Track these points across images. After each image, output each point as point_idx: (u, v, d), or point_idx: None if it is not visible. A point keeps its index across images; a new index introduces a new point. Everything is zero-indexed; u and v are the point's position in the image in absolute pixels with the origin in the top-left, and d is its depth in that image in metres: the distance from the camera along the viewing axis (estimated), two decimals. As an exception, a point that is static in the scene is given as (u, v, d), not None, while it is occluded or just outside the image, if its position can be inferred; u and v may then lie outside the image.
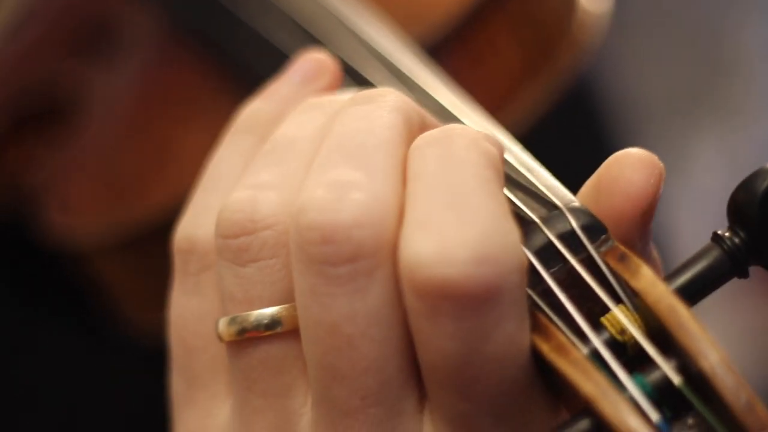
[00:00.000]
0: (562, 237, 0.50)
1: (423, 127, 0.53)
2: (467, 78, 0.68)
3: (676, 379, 0.47)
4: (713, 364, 0.46)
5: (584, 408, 0.47)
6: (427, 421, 0.50)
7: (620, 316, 0.49)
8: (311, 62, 0.60)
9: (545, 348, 0.48)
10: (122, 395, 0.91)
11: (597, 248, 0.50)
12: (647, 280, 0.48)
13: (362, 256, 0.48)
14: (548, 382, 0.50)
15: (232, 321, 0.52)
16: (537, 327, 0.48)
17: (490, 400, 0.48)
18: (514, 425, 0.50)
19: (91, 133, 0.88)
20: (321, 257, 0.48)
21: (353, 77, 0.64)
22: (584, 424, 0.47)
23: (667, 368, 0.47)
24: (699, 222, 1.90)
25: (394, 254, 0.48)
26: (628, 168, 0.51)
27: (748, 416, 0.45)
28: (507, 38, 0.78)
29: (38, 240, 0.87)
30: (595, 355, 0.48)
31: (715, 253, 0.50)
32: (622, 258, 0.49)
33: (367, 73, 0.64)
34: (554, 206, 0.51)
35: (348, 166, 0.49)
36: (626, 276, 0.49)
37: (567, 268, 0.50)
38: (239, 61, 0.81)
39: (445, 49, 0.77)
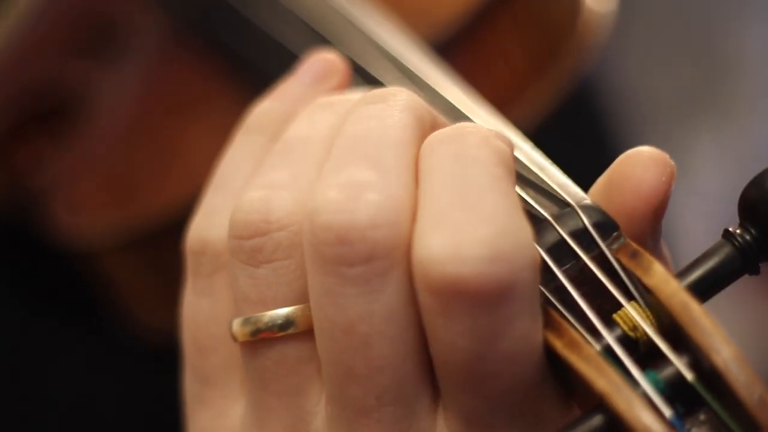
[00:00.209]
0: (574, 234, 0.50)
1: (434, 126, 0.53)
2: (473, 77, 0.68)
3: (688, 375, 0.47)
4: (726, 360, 0.46)
5: (597, 404, 0.47)
6: (440, 420, 0.50)
7: (632, 312, 0.49)
8: (321, 62, 0.60)
9: (558, 344, 0.48)
10: (129, 395, 0.91)
11: (609, 245, 0.50)
12: (659, 276, 0.48)
13: (378, 257, 0.48)
14: (561, 379, 0.50)
15: (246, 321, 0.52)
16: (550, 324, 0.49)
17: (503, 397, 0.49)
18: (527, 422, 0.50)
19: (98, 133, 0.88)
20: (336, 258, 0.48)
21: (363, 76, 0.64)
22: (597, 420, 0.47)
23: (679, 364, 0.47)
24: (700, 221, 1.90)
25: (409, 253, 0.48)
26: (639, 166, 0.51)
27: (760, 412, 0.45)
28: (513, 37, 0.79)
29: (45, 240, 0.87)
30: (608, 352, 0.48)
31: (726, 250, 0.50)
32: (634, 255, 0.50)
33: (377, 73, 0.64)
34: (566, 204, 0.52)
35: (361, 166, 0.49)
36: (638, 273, 0.49)
37: (579, 265, 0.50)
38: (247, 60, 0.81)
39: (452, 49, 0.77)
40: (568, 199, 0.52)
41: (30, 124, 0.89)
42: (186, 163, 0.83)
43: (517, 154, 0.53)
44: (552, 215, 0.51)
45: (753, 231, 0.50)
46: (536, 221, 0.51)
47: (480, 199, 0.47)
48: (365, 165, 0.49)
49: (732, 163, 2.06)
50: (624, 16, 0.86)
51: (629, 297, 0.49)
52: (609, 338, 0.48)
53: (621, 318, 0.49)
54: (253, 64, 0.80)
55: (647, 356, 0.48)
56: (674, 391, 0.47)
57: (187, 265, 0.56)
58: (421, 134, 0.52)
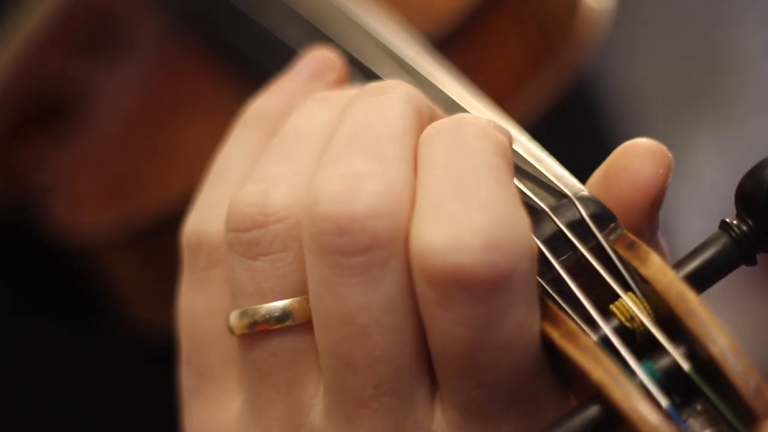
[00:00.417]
0: (571, 225, 0.51)
1: (432, 119, 0.53)
2: (472, 72, 0.69)
3: (685, 365, 0.47)
4: (722, 350, 0.46)
5: (594, 394, 0.47)
6: (438, 410, 0.51)
7: (629, 303, 0.49)
8: (318, 58, 0.61)
9: (555, 335, 0.48)
10: (128, 392, 0.91)
11: (606, 236, 0.50)
12: (656, 267, 0.49)
13: (377, 247, 0.48)
14: (558, 370, 0.50)
15: (243, 314, 0.52)
16: (547, 314, 0.49)
17: (500, 387, 0.49)
18: (524, 411, 0.50)
19: (98, 131, 0.88)
20: (335, 248, 0.48)
21: (361, 71, 0.64)
22: (594, 410, 0.47)
23: (676, 354, 0.47)
24: (698, 219, 1.90)
25: (407, 244, 0.48)
26: (636, 157, 0.51)
27: (756, 401, 0.45)
28: (512, 33, 0.79)
29: (45, 238, 0.87)
30: (605, 342, 0.48)
31: (723, 241, 0.50)
32: (631, 246, 0.50)
33: (375, 67, 0.64)
34: (563, 195, 0.52)
35: (361, 157, 0.49)
36: (635, 263, 0.49)
37: (576, 256, 0.50)
38: (246, 57, 0.82)
39: (451, 44, 0.77)
40: (566, 191, 0.52)
41: (31, 124, 0.89)
42: (186, 160, 0.84)
43: (514, 146, 0.54)
44: (549, 206, 0.51)
45: (749, 222, 0.50)
46: (533, 212, 0.51)
47: (478, 189, 0.48)
48: (365, 156, 0.50)
49: (731, 160, 2.06)
50: (624, 13, 0.87)
51: (626, 288, 0.50)
52: (606, 329, 0.48)
53: (618, 309, 0.49)
54: (253, 61, 0.80)
55: (644, 347, 0.48)
56: (671, 381, 0.47)
57: (183, 258, 0.56)
58: (420, 126, 0.52)
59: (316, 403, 0.52)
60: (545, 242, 0.50)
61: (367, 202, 0.48)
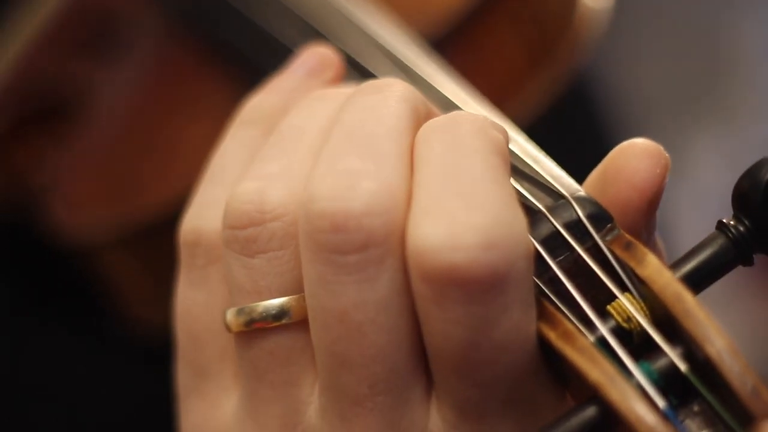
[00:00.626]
0: (568, 226, 0.50)
1: (429, 117, 0.53)
2: (469, 72, 0.69)
3: (682, 366, 0.47)
4: (719, 351, 0.46)
5: (591, 395, 0.47)
6: (433, 409, 0.51)
7: (626, 303, 0.49)
8: (315, 56, 0.61)
9: (552, 335, 0.48)
10: (127, 392, 0.91)
11: (603, 237, 0.50)
12: (653, 267, 0.48)
13: (373, 245, 0.48)
14: (555, 370, 0.50)
15: (240, 312, 0.52)
16: (544, 315, 0.49)
17: (496, 387, 0.49)
18: (520, 412, 0.50)
19: (98, 131, 0.88)
20: (331, 246, 0.48)
21: (358, 70, 0.64)
22: (591, 411, 0.47)
23: (673, 355, 0.47)
24: (697, 220, 1.90)
25: (403, 242, 0.48)
26: (633, 158, 0.51)
27: (754, 402, 0.45)
28: (509, 33, 0.79)
29: (44, 238, 0.87)
30: (602, 343, 0.48)
31: (720, 241, 0.50)
32: (628, 246, 0.50)
33: (372, 67, 0.64)
34: (560, 195, 0.52)
35: (357, 155, 0.49)
36: (632, 264, 0.49)
37: (573, 256, 0.50)
38: (244, 57, 0.82)
39: (448, 43, 0.77)
40: (562, 191, 0.52)
41: (30, 123, 0.89)
42: (185, 160, 0.84)
43: (511, 146, 0.53)
44: (546, 207, 0.51)
45: (746, 222, 0.50)
46: (530, 213, 0.51)
47: (474, 187, 0.47)
48: (361, 154, 0.50)
49: (730, 161, 2.06)
50: (625, 14, 0.86)
51: (623, 288, 0.50)
52: (603, 329, 0.48)
53: (615, 309, 0.49)
54: (252, 61, 0.80)
55: (641, 347, 0.48)
56: (668, 382, 0.47)
57: (181, 256, 0.56)
58: (417, 124, 0.52)
59: (312, 402, 0.52)
60: (542, 243, 0.50)
61: (362, 200, 0.48)
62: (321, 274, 0.49)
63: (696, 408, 0.47)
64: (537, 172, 0.53)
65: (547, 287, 0.49)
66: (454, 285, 0.46)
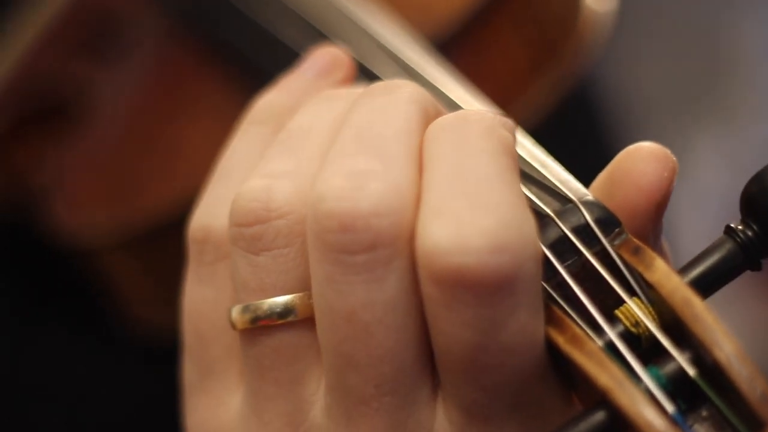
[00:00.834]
0: (576, 230, 0.50)
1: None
2: (474, 75, 0.68)
3: (690, 371, 0.47)
4: (728, 355, 0.46)
5: (600, 400, 0.47)
6: (440, 410, 0.51)
7: (634, 308, 0.49)
8: (326, 56, 0.61)
9: (560, 340, 0.48)
10: (129, 393, 0.91)
11: (611, 241, 0.50)
12: (661, 272, 0.48)
13: (381, 245, 0.48)
14: (563, 375, 0.50)
15: (246, 309, 0.52)
16: (552, 319, 0.49)
17: (503, 390, 0.49)
18: (527, 415, 0.50)
19: (99, 132, 0.88)
20: (339, 246, 0.48)
21: (363, 73, 0.64)
22: (600, 415, 0.47)
23: (681, 360, 0.47)
24: (697, 220, 1.90)
25: (412, 243, 0.48)
26: (641, 161, 0.51)
27: (762, 407, 0.45)
28: (513, 35, 0.79)
29: (45, 238, 0.87)
30: (610, 347, 0.48)
31: (728, 246, 0.50)
32: (636, 251, 0.50)
33: (377, 69, 0.64)
34: (568, 200, 0.52)
35: (366, 156, 0.49)
36: (640, 269, 0.49)
37: (581, 261, 0.50)
38: (248, 58, 0.81)
39: (453, 46, 0.77)
40: (570, 195, 0.52)
41: (30, 123, 0.89)
42: (187, 161, 0.83)
43: (518, 150, 0.53)
44: (554, 211, 0.51)
45: (754, 227, 0.50)
46: (538, 217, 0.51)
47: (484, 189, 0.47)
48: (370, 154, 0.50)
49: (731, 162, 2.06)
50: (625, 15, 0.86)
51: (631, 293, 0.49)
52: (611, 334, 0.48)
53: (623, 314, 0.49)
54: (254, 62, 0.80)
55: (649, 352, 0.48)
56: (676, 386, 0.47)
57: (189, 253, 0.56)
58: (425, 126, 0.52)
59: (316, 400, 0.52)
60: (550, 247, 0.50)
61: (371, 200, 0.48)
62: (329, 274, 0.49)
63: (704, 413, 0.47)
64: (544, 176, 0.53)
65: (555, 292, 0.49)
66: (462, 287, 0.46)
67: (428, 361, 0.50)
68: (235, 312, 0.52)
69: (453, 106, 0.59)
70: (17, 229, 0.90)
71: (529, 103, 0.78)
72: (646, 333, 0.48)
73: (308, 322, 0.52)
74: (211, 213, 0.55)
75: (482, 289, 0.46)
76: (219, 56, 0.85)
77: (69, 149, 0.88)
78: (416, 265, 0.48)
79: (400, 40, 0.68)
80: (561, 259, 0.50)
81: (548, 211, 0.51)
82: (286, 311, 0.52)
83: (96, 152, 0.88)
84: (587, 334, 0.48)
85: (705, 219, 1.89)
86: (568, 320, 0.49)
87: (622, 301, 0.49)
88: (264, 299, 0.52)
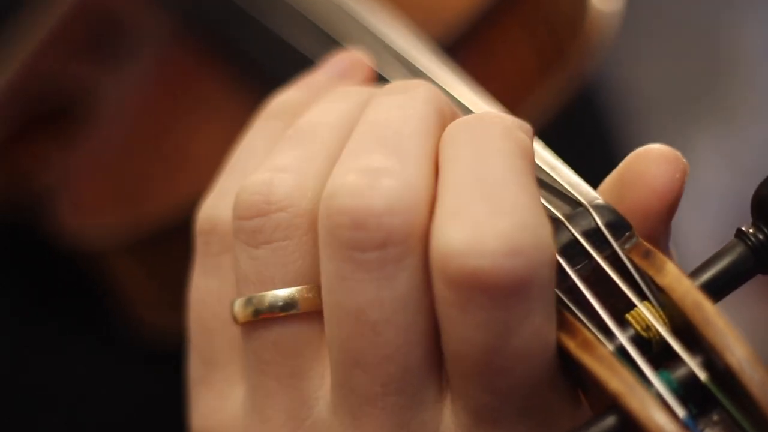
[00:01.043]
0: (586, 234, 0.50)
1: (454, 120, 0.53)
2: (482, 76, 0.68)
3: (702, 375, 0.47)
4: (740, 360, 0.46)
5: (610, 404, 0.47)
6: (447, 412, 0.50)
7: (645, 312, 0.49)
8: (347, 59, 0.61)
9: (571, 345, 0.48)
10: (127, 393, 0.91)
11: (622, 245, 0.50)
12: (672, 276, 0.48)
13: (392, 243, 0.48)
14: (573, 379, 0.50)
15: (248, 302, 0.52)
16: (562, 324, 0.48)
17: (514, 394, 0.48)
18: (536, 420, 0.50)
19: (104, 134, 0.88)
20: (350, 242, 0.48)
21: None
22: (611, 420, 0.47)
23: (693, 364, 0.47)
24: (697, 220, 1.90)
25: (424, 242, 0.48)
26: (652, 163, 0.51)
27: (774, 411, 0.45)
28: (521, 37, 0.78)
29: (50, 240, 0.87)
30: (621, 352, 0.48)
31: (739, 249, 0.50)
32: (647, 255, 0.49)
33: (386, 73, 0.64)
34: (578, 203, 0.51)
35: (381, 153, 0.49)
36: (651, 272, 0.49)
37: (592, 265, 0.50)
38: (254, 61, 0.81)
39: (461, 47, 0.77)
40: (581, 199, 0.51)
41: (36, 124, 0.89)
42: (192, 164, 0.83)
43: None
44: (564, 215, 0.51)
45: (766, 230, 0.50)
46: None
47: (501, 192, 0.47)
48: (384, 152, 0.49)
49: (731, 162, 2.06)
50: (625, 15, 0.86)
51: (642, 297, 0.49)
52: (622, 338, 0.48)
53: (634, 318, 0.49)
54: (260, 64, 0.80)
55: (660, 356, 0.48)
56: (687, 391, 0.47)
57: (196, 245, 0.56)
58: (441, 126, 0.52)
59: (321, 396, 0.52)
60: (560, 251, 0.50)
61: (383, 198, 0.48)
62: (339, 271, 0.49)
63: (716, 417, 0.47)
64: (554, 179, 0.53)
65: (565, 296, 0.49)
66: (477, 290, 0.46)
67: (436, 362, 0.50)
68: (237, 305, 0.52)
69: (463, 110, 0.59)
70: (18, 229, 0.90)
71: (536, 104, 0.78)
72: (657, 337, 0.48)
73: (310, 316, 0.52)
74: (218, 205, 0.55)
75: (496, 291, 0.46)
76: (225, 58, 0.84)
77: (74, 151, 0.88)
78: (430, 266, 0.48)
79: (409, 42, 0.67)
80: (571, 263, 0.50)
81: (559, 214, 0.51)
82: (289, 305, 0.51)
83: (101, 154, 0.88)
84: (598, 338, 0.48)
85: (705, 219, 1.89)
86: (578, 325, 0.48)
87: (632, 305, 0.49)
88: (263, 292, 0.52)
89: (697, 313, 0.47)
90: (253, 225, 0.52)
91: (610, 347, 0.48)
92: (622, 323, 0.49)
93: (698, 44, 2.21)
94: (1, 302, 0.92)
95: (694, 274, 0.50)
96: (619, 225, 0.50)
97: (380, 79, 0.64)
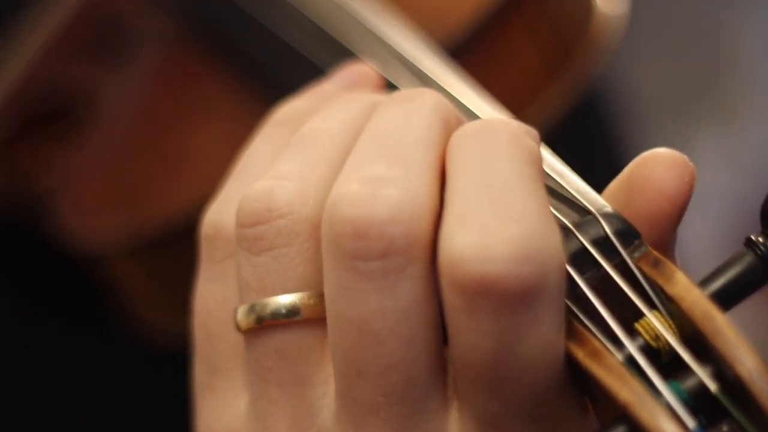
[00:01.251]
0: (595, 242, 0.50)
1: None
2: (487, 80, 0.68)
3: (712, 386, 0.46)
4: (750, 371, 0.45)
5: (620, 415, 0.46)
6: (452, 420, 0.50)
7: (654, 321, 0.48)
8: (357, 71, 0.61)
9: (580, 354, 0.48)
10: (127, 393, 0.91)
11: (631, 254, 0.50)
12: (682, 285, 0.48)
13: (394, 253, 0.48)
14: (582, 389, 0.49)
15: (251, 309, 0.52)
16: (571, 333, 0.48)
17: (521, 402, 0.48)
18: (544, 429, 0.49)
19: (104, 134, 0.88)
20: (352, 252, 0.48)
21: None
22: (620, 430, 0.46)
23: (702, 374, 0.47)
24: (697, 220, 1.90)
25: (427, 252, 0.48)
26: (659, 167, 0.51)
27: (785, 423, 0.45)
28: (526, 40, 0.78)
29: (51, 242, 0.87)
30: (630, 361, 0.47)
31: (748, 258, 0.49)
32: (656, 263, 0.49)
33: (392, 77, 0.64)
34: (587, 211, 0.51)
35: (384, 162, 0.49)
36: (660, 281, 0.49)
37: (601, 273, 0.49)
38: (255, 62, 0.81)
39: (466, 51, 0.76)
40: (589, 207, 0.51)
41: (36, 125, 0.89)
42: (194, 167, 0.83)
43: None
44: (573, 223, 0.51)
45: (776, 239, 0.50)
46: None
47: (509, 197, 0.47)
48: (388, 161, 0.49)
49: (731, 162, 2.06)
50: (627, 16, 0.86)
51: (651, 306, 0.49)
52: (631, 348, 0.48)
53: (643, 327, 0.48)
54: (261, 65, 0.80)
55: (670, 366, 0.47)
56: (697, 401, 0.46)
57: (201, 250, 0.56)
58: (447, 135, 0.51)
59: (325, 405, 0.51)
60: (569, 259, 0.49)
61: (386, 207, 0.48)
62: (341, 280, 0.49)
63: (725, 428, 0.46)
64: (562, 187, 0.53)
65: (574, 305, 0.49)
66: (485, 296, 0.46)
67: (440, 370, 0.50)
68: (240, 313, 0.52)
69: (468, 114, 0.58)
70: (18, 229, 0.90)
71: (542, 109, 0.78)
72: (667, 347, 0.48)
73: (313, 322, 0.51)
74: (223, 211, 0.55)
75: (505, 298, 0.46)
76: (227, 61, 0.84)
77: (75, 151, 0.88)
78: (438, 272, 0.47)
79: (414, 46, 0.67)
80: (580, 272, 0.49)
81: (567, 222, 0.51)
82: (291, 312, 0.51)
83: (101, 155, 0.88)
84: (607, 347, 0.48)
85: (705, 219, 1.88)
86: (587, 334, 0.48)
87: (641, 315, 0.49)
88: (264, 299, 0.52)
89: (707, 323, 0.47)
90: (255, 232, 0.52)
91: (619, 357, 0.48)
92: (631, 332, 0.48)
93: (698, 44, 2.21)
94: (1, 302, 0.92)
95: (703, 284, 0.49)
96: (628, 233, 0.50)
97: (387, 85, 0.63)
